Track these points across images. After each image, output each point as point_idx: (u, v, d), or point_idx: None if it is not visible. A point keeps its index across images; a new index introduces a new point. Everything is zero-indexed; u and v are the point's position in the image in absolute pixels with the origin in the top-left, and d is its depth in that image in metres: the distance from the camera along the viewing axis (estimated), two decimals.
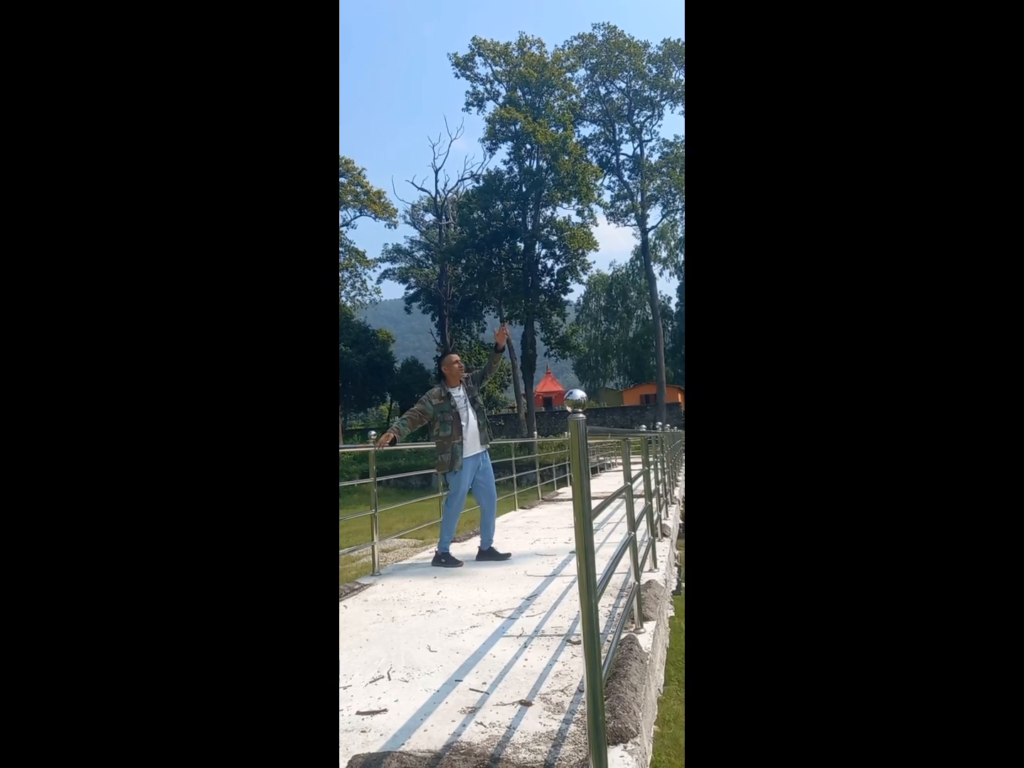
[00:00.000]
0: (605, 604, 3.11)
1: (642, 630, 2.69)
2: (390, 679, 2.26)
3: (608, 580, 2.26)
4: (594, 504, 1.67)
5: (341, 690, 2.16)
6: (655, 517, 4.48)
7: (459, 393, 4.41)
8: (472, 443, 4.35)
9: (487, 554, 4.46)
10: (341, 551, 4.49)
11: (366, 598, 3.53)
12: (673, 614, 4.14)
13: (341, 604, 3.42)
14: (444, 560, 4.33)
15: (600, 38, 34.25)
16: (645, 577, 3.50)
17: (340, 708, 2.00)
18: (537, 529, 6.00)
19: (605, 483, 11.22)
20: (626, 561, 4.00)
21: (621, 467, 3.06)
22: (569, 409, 1.58)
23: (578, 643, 2.51)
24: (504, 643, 2.58)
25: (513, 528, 6.18)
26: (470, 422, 4.37)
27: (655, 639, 2.74)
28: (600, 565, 2.06)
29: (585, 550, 1.54)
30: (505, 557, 4.40)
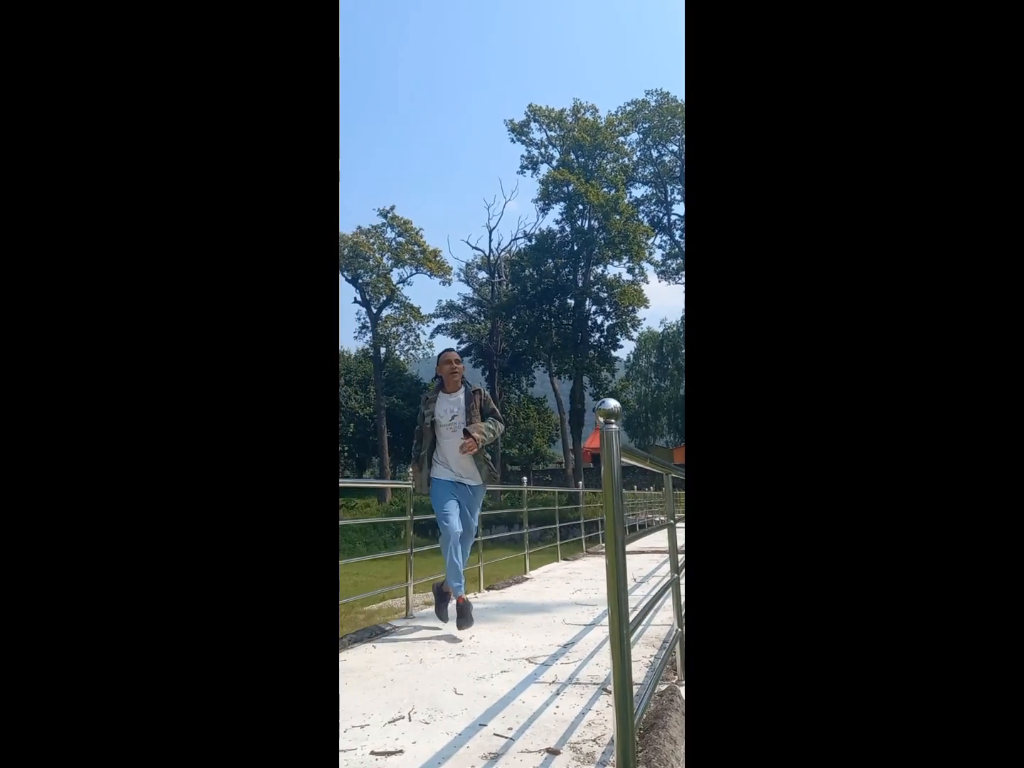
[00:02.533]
0: (646, 654, 2.91)
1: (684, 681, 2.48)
2: (411, 720, 2.11)
3: (646, 621, 2.10)
4: (638, 553, 1.53)
5: (358, 729, 2.03)
6: None
7: (451, 400, 3.51)
8: (453, 465, 3.46)
9: (438, 594, 3.56)
10: (372, 592, 4.37)
11: (395, 639, 3.39)
12: None
13: (370, 644, 3.29)
14: (436, 597, 3.56)
15: (653, 103, 35.09)
16: None
17: (354, 748, 1.87)
18: (579, 580, 5.76)
19: (645, 543, 10.81)
20: (668, 613, 3.76)
21: (660, 526, 2.89)
22: (601, 420, 1.48)
23: None
24: (535, 689, 2.41)
25: (554, 578, 5.95)
26: (451, 442, 3.46)
27: None
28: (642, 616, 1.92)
29: (617, 579, 1.41)
30: (443, 601, 3.50)
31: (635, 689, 1.88)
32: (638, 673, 2.56)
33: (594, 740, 1.88)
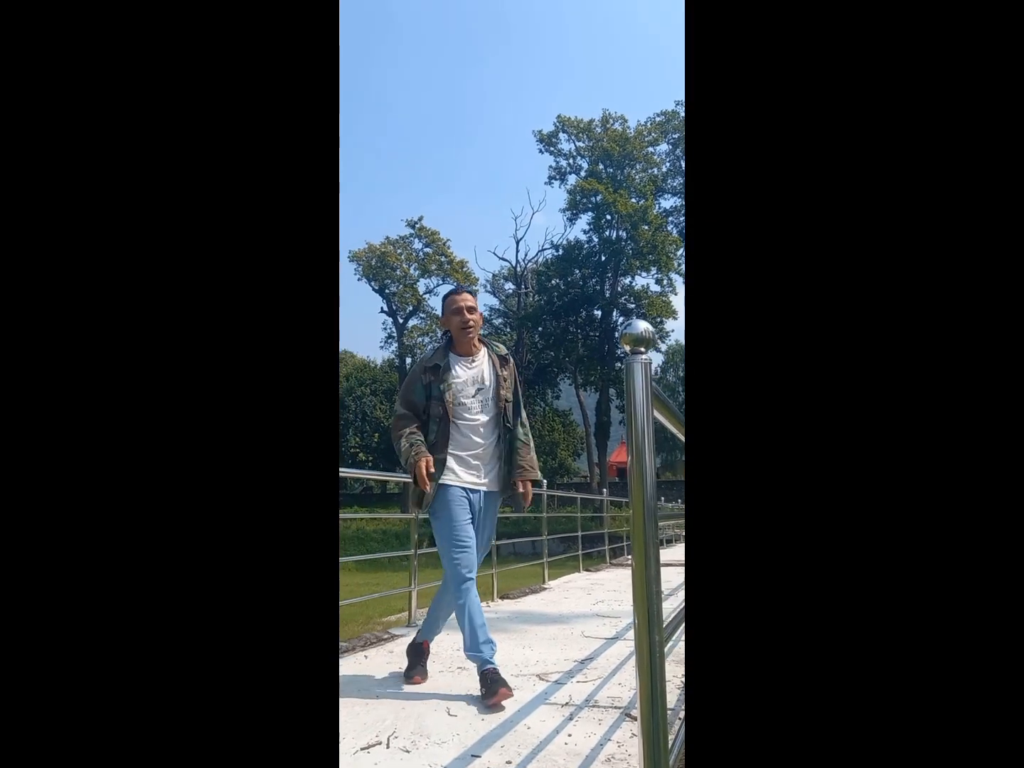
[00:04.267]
0: (678, 674, 2.48)
1: None
2: (389, 747, 1.73)
3: (677, 635, 1.71)
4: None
5: None
6: None
7: (472, 368, 2.30)
8: (475, 468, 2.27)
9: (413, 651, 2.44)
10: (375, 595, 4.00)
11: (392, 649, 3.01)
12: None
13: (362, 654, 2.92)
14: (412, 664, 2.43)
15: (682, 114, 34.69)
16: None
17: None
18: (601, 591, 5.31)
19: (672, 556, 10.29)
20: None
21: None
22: (627, 349, 1.09)
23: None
24: (544, 712, 2.01)
25: (575, 589, 5.52)
26: (476, 431, 2.27)
27: None
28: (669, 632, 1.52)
29: (646, 568, 1.02)
30: (413, 671, 2.38)
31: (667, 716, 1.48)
32: (670, 696, 2.14)
33: None
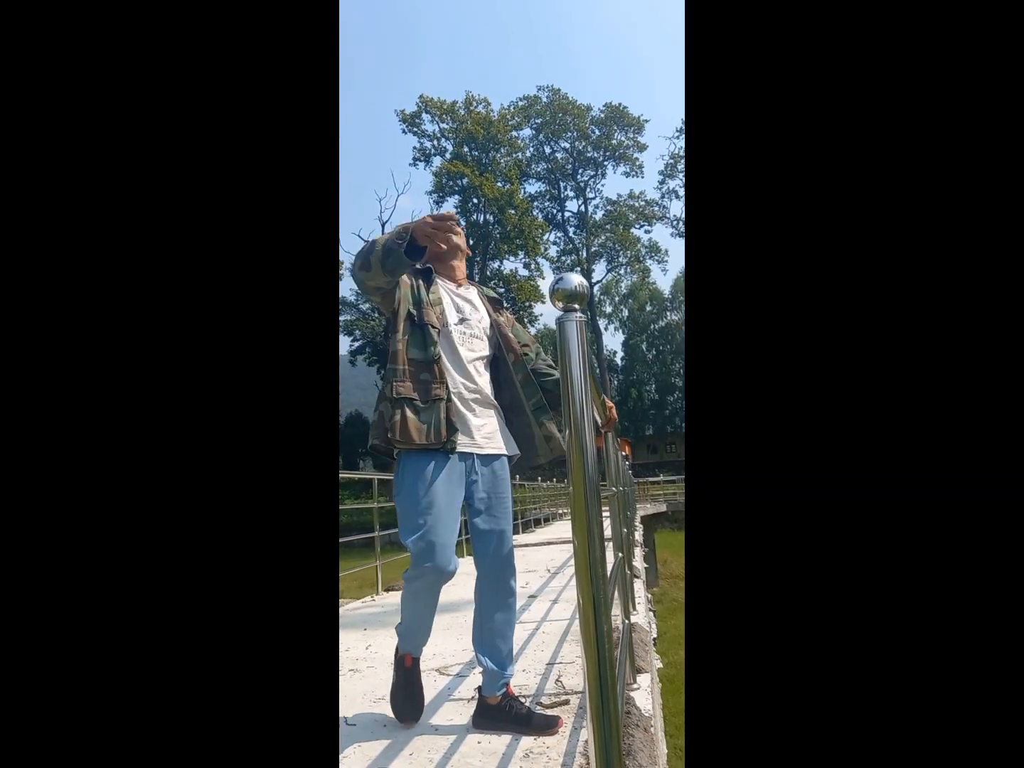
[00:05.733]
0: (575, 652, 2.44)
1: (635, 686, 2.02)
2: None
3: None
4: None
5: None
6: (629, 551, 3.82)
7: (461, 295, 1.79)
8: (475, 414, 1.70)
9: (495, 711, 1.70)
10: None
11: None
12: (661, 665, 3.46)
13: None
14: (397, 683, 1.81)
15: (545, 99, 35.26)
16: None
17: None
18: None
19: (559, 532, 10.52)
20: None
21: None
22: (560, 306, 0.97)
23: (552, 705, 1.83)
24: (450, 710, 1.88)
25: (464, 575, 5.42)
26: (479, 371, 1.73)
27: (653, 697, 2.06)
28: (565, 610, 1.37)
29: (588, 532, 0.91)
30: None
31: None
32: (577, 679, 2.08)
33: None
